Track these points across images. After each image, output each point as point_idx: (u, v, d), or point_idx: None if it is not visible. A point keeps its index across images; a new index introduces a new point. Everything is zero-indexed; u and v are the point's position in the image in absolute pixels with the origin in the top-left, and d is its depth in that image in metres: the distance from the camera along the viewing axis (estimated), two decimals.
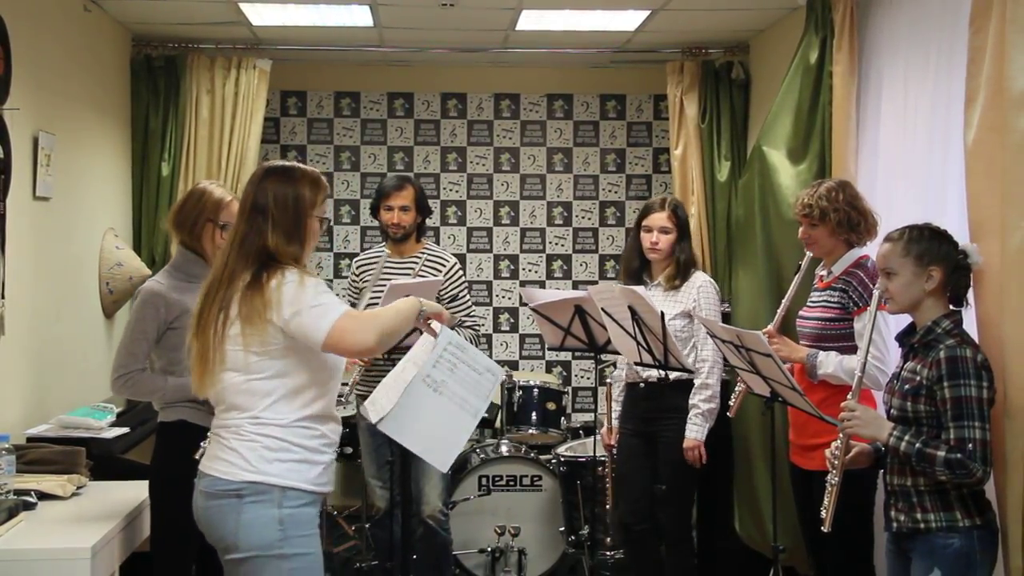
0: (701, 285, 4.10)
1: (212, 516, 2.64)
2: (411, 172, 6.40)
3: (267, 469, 2.61)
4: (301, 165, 2.79)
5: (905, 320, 3.02)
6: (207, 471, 2.67)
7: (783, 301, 3.67)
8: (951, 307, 2.87)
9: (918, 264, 2.83)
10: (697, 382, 4.03)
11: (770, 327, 3.63)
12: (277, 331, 2.59)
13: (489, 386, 2.84)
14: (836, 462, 2.95)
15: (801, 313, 3.62)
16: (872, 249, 3.49)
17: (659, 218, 4.13)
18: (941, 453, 2.71)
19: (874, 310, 2.93)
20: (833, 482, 2.96)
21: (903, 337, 2.95)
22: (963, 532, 2.75)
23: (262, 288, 2.59)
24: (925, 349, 2.83)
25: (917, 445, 2.75)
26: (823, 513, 2.98)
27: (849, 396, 2.93)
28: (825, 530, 2.99)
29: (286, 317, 2.57)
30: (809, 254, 3.60)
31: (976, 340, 2.87)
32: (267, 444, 2.62)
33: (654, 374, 4.10)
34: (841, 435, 2.92)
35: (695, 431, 4.03)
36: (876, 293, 2.92)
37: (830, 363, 3.46)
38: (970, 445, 2.69)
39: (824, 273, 3.59)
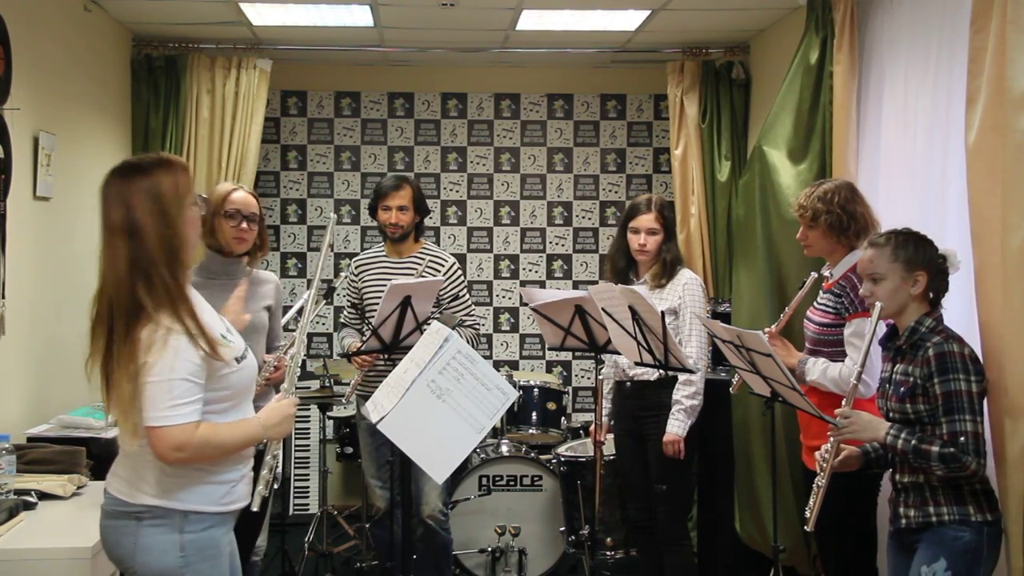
0: (686, 283, 4.12)
1: (108, 536, 2.50)
2: (411, 172, 6.40)
3: (168, 491, 2.44)
4: (148, 155, 2.51)
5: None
6: (108, 488, 2.52)
7: (786, 308, 3.67)
8: (931, 309, 2.91)
9: (906, 269, 2.88)
10: (682, 377, 4.03)
11: (771, 328, 3.64)
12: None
13: (498, 404, 2.81)
14: (824, 464, 2.98)
15: (807, 313, 3.62)
16: None
17: (646, 220, 4.14)
18: (935, 448, 2.75)
19: (876, 318, 2.92)
20: (820, 483, 2.98)
21: (886, 340, 2.99)
22: (974, 527, 2.78)
23: (136, 341, 2.36)
24: (913, 350, 2.87)
25: (913, 442, 2.79)
26: (807, 513, 3.01)
27: (844, 403, 2.95)
28: (808, 529, 3.03)
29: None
30: (814, 274, 3.61)
31: (961, 336, 2.88)
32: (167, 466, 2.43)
33: (640, 372, 4.10)
34: (832, 439, 2.95)
35: (676, 426, 4.03)
36: (879, 304, 2.91)
37: (815, 370, 3.47)
38: (962, 438, 2.73)
39: (828, 275, 3.59)
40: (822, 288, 3.61)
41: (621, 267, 4.25)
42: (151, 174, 2.41)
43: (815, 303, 3.61)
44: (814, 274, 3.61)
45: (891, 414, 2.92)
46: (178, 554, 2.43)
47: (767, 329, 3.62)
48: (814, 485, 3.01)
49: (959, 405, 2.75)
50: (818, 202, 3.48)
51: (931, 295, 2.92)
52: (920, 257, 2.89)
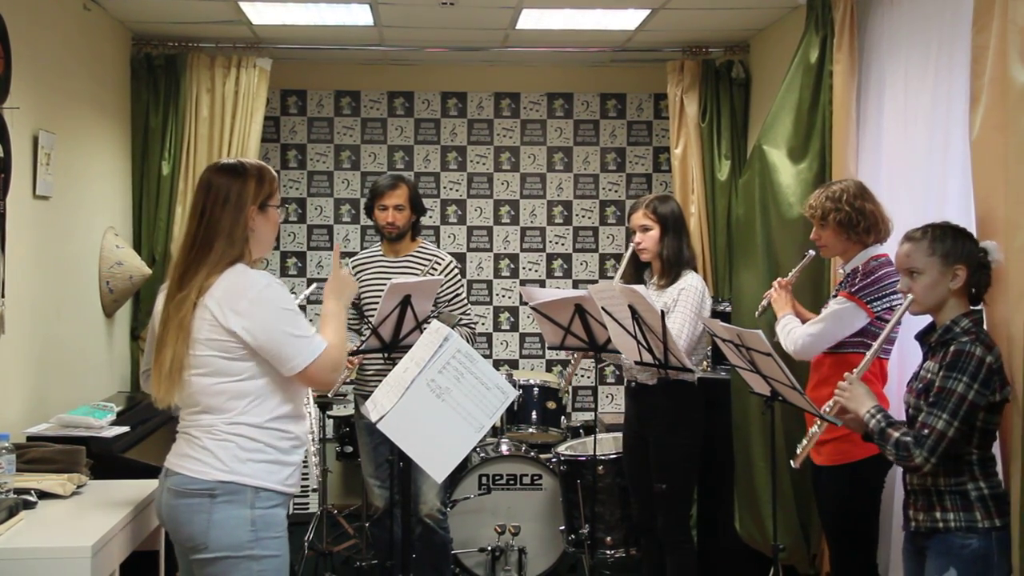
0: (684, 288, 4.02)
1: (181, 515, 2.63)
2: (411, 171, 6.40)
3: (240, 469, 2.60)
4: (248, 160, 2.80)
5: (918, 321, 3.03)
6: (177, 469, 2.65)
7: (794, 270, 3.82)
8: (971, 307, 2.86)
9: (944, 263, 2.81)
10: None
11: (781, 279, 3.79)
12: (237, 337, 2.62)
13: (497, 403, 2.82)
14: (826, 412, 3.04)
15: (822, 310, 3.66)
16: (889, 248, 3.48)
17: (637, 218, 4.12)
18: (897, 434, 2.77)
19: (903, 311, 2.92)
20: (814, 430, 3.09)
21: (922, 336, 2.95)
22: (982, 533, 2.74)
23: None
24: (943, 348, 2.81)
25: (883, 424, 2.81)
26: (797, 450, 3.14)
27: (855, 371, 2.99)
28: (794, 466, 3.19)
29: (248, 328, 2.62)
30: (811, 252, 3.67)
31: (994, 344, 2.81)
32: (241, 444, 2.62)
33: (639, 376, 4.08)
34: (835, 398, 3.02)
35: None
36: (911, 296, 2.88)
37: (778, 326, 3.65)
38: (925, 431, 2.72)
39: (842, 272, 3.61)
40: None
41: (631, 272, 4.19)
42: (241, 176, 2.70)
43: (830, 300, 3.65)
44: (811, 252, 3.71)
45: (909, 409, 2.92)
46: (249, 528, 2.59)
47: (778, 279, 3.77)
48: (809, 431, 3.12)
49: (944, 403, 2.71)
50: (827, 200, 3.50)
51: (972, 291, 2.85)
52: (959, 250, 2.81)
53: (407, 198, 4.32)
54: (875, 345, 3.03)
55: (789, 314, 3.67)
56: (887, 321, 3.29)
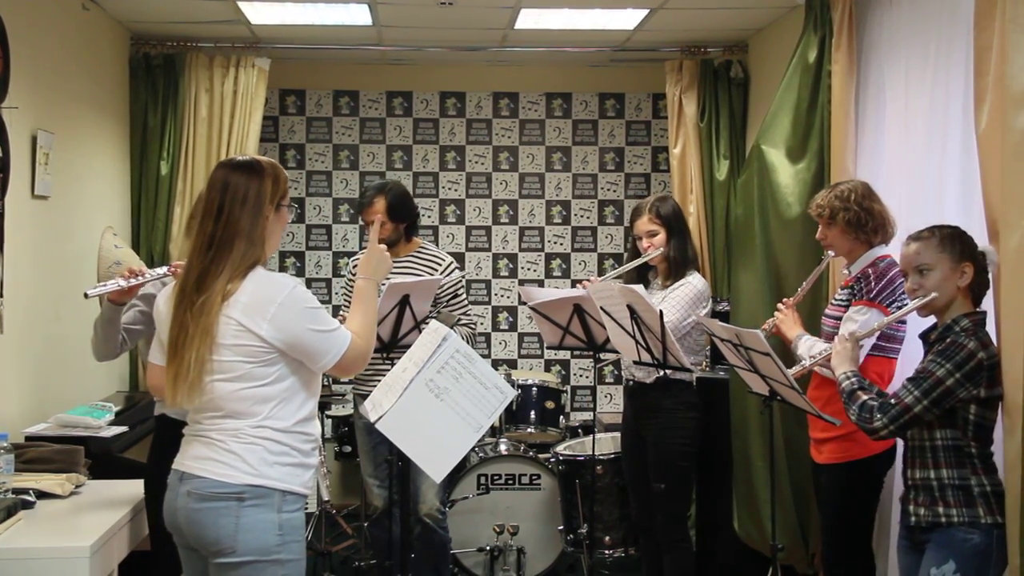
0: (680, 286, 4.03)
1: (204, 518, 2.55)
2: (410, 171, 6.41)
3: (269, 472, 2.57)
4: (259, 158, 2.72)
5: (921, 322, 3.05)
6: (198, 472, 2.58)
7: (803, 283, 3.72)
8: (975, 309, 2.89)
9: (953, 260, 2.86)
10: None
11: (788, 299, 3.71)
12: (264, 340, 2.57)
13: (496, 403, 2.82)
14: (813, 357, 3.20)
15: (825, 311, 3.65)
16: (893, 249, 3.48)
17: (642, 223, 4.10)
18: (865, 396, 2.88)
19: (913, 307, 2.93)
20: (801, 364, 3.30)
21: (925, 335, 2.97)
22: (984, 529, 2.77)
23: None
24: (941, 343, 2.85)
25: (855, 386, 2.92)
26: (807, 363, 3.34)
27: (861, 333, 3.11)
28: (792, 375, 3.28)
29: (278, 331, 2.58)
30: (831, 253, 3.62)
31: (991, 343, 2.84)
32: (269, 448, 2.58)
33: (636, 374, 4.08)
34: (829, 348, 3.16)
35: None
36: (931, 296, 2.89)
37: (804, 346, 3.54)
38: (892, 400, 2.81)
39: (846, 272, 3.61)
40: (840, 286, 3.62)
41: (634, 277, 4.18)
42: (259, 175, 2.62)
43: (832, 300, 3.63)
44: (831, 253, 3.63)
45: None
46: (276, 532, 2.57)
47: (784, 300, 3.71)
48: (796, 366, 3.29)
49: (920, 381, 2.78)
50: (835, 200, 3.49)
51: (977, 293, 2.90)
52: (966, 249, 2.87)
53: (384, 211, 4.25)
54: (886, 319, 3.13)
55: (805, 335, 3.59)
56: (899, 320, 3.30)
